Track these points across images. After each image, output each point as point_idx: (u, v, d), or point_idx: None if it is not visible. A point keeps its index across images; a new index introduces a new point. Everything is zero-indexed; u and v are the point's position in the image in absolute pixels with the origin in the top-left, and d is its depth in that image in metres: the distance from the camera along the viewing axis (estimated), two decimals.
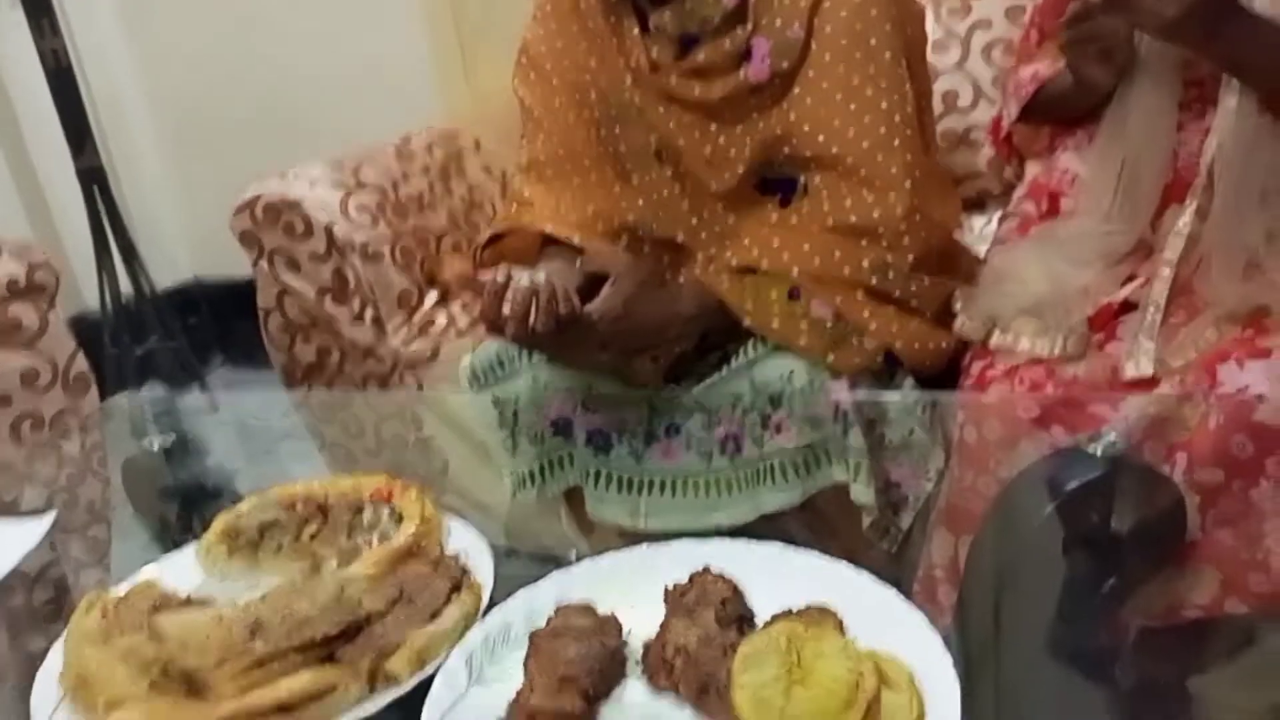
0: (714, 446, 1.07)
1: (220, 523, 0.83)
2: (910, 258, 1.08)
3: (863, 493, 1.02)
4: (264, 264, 1.52)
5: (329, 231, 1.48)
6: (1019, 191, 1.32)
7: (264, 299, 1.55)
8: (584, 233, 1.13)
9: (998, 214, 1.43)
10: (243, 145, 2.25)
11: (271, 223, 1.49)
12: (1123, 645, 0.72)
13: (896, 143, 1.08)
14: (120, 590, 0.78)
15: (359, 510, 0.85)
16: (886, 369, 1.09)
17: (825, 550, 0.77)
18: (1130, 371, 0.97)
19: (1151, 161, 1.08)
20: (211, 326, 2.48)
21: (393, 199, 1.58)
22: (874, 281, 1.06)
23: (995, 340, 1.09)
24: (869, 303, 1.06)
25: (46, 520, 0.95)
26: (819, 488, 1.04)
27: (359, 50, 2.15)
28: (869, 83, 1.07)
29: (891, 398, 1.06)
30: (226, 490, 1.17)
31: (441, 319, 1.52)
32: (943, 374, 1.11)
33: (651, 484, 1.09)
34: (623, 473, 1.10)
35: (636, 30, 1.11)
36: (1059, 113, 1.20)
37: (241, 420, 1.48)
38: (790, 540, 0.89)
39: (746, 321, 1.05)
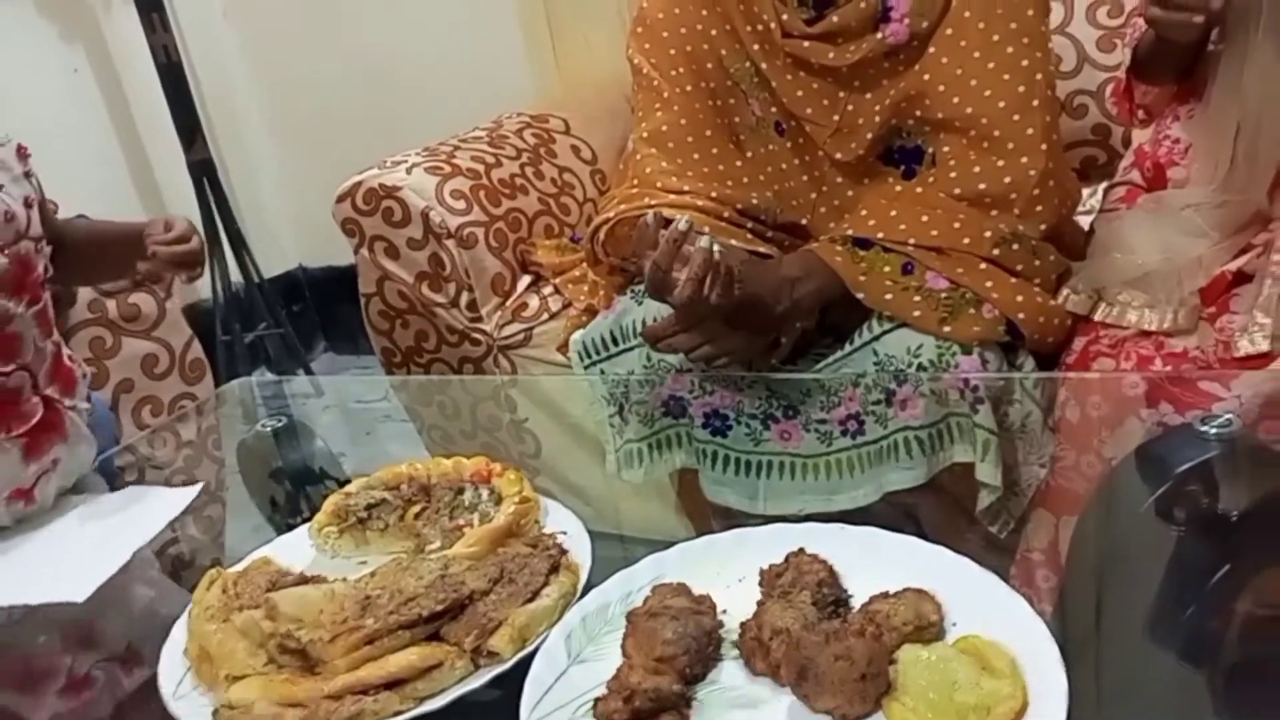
0: (834, 428, 1.05)
1: (331, 503, 0.87)
2: (1043, 226, 1.06)
3: (990, 473, 0.99)
4: (365, 251, 1.56)
5: (425, 217, 1.51)
6: (1125, 160, 1.28)
7: (365, 285, 1.59)
8: (710, 220, 1.12)
9: (1103, 185, 1.39)
10: (344, 136, 2.31)
11: (371, 210, 1.53)
12: (1231, 633, 0.70)
13: (1035, 103, 1.05)
14: (239, 567, 0.82)
15: (460, 491, 0.87)
16: (1008, 346, 1.06)
17: (945, 528, 0.76)
18: (1244, 347, 0.93)
19: (1269, 128, 1.03)
20: (315, 313, 2.56)
21: (486, 184, 1.60)
22: (995, 253, 1.04)
23: (1101, 313, 1.06)
24: (991, 272, 1.04)
25: (193, 490, 1.00)
26: (943, 466, 1.02)
27: (453, 38, 2.19)
28: (1010, 39, 1.04)
29: (1017, 377, 1.04)
30: (332, 471, 1.21)
31: (534, 303, 1.54)
32: (1052, 354, 1.08)
33: (770, 466, 1.08)
34: (740, 455, 1.09)
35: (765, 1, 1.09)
36: (1157, 71, 1.15)
37: (344, 403, 1.53)
38: (912, 519, 0.88)
39: (859, 295, 1.04)
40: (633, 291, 1.18)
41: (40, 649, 0.89)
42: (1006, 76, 1.05)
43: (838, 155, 1.12)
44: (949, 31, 1.05)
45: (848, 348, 1.08)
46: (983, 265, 1.04)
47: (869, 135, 1.10)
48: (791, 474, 1.08)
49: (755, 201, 1.18)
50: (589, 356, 1.15)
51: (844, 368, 1.08)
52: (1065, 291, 1.08)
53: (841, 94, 1.10)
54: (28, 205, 0.96)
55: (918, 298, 1.03)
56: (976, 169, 1.06)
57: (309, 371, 2.33)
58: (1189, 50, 1.06)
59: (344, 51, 2.31)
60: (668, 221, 0.96)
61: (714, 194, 1.16)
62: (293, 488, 1.22)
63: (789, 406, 1.07)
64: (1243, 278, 1.00)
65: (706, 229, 1.08)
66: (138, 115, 2.24)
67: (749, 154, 1.17)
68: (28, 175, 0.98)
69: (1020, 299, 1.04)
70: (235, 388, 1.47)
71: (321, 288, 2.52)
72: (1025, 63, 1.05)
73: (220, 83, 2.37)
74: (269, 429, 1.18)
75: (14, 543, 0.97)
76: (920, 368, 1.02)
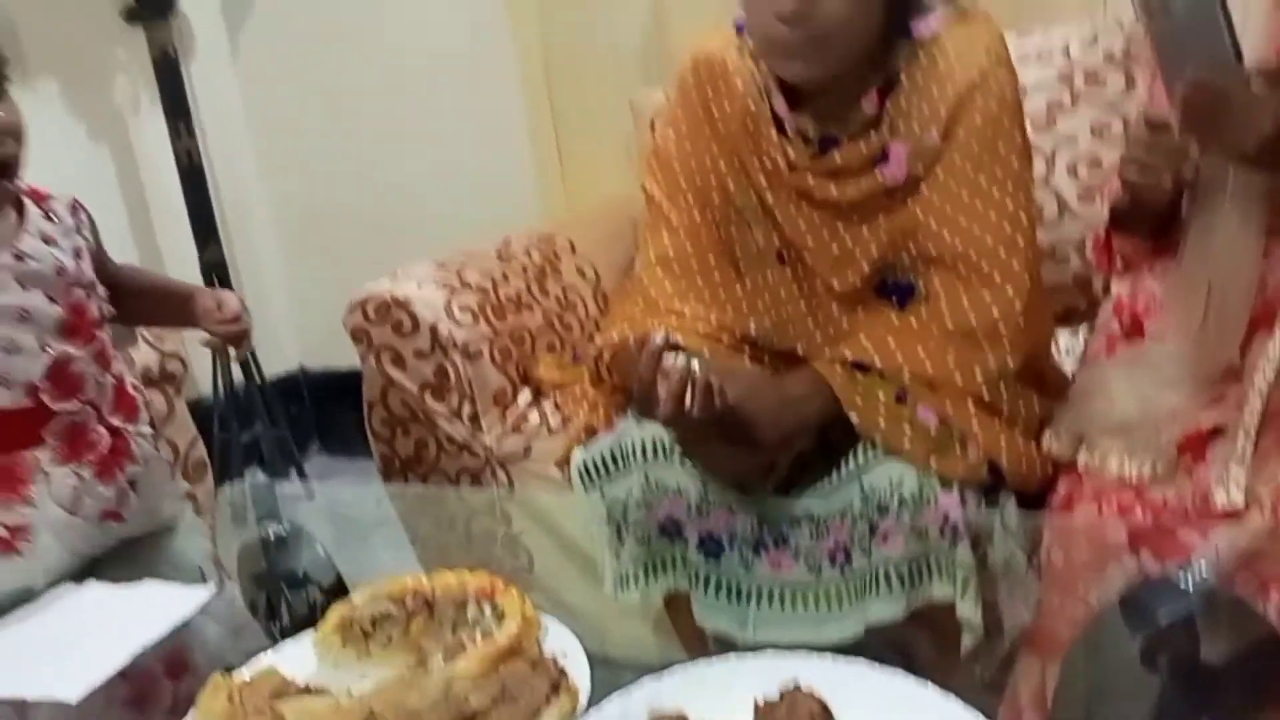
0: (823, 558, 1.08)
1: (335, 614, 0.89)
2: (1020, 355, 1.12)
3: (969, 610, 1.01)
4: (371, 359, 1.60)
5: (434, 330, 1.55)
6: (1105, 309, 1.34)
7: (369, 392, 1.63)
8: (710, 344, 1.18)
9: (1082, 331, 1.45)
10: (352, 245, 2.38)
11: (381, 320, 1.58)
12: None
13: (1020, 241, 1.13)
14: (244, 674, 0.83)
15: (463, 606, 0.89)
16: (990, 486, 1.09)
17: (932, 666, 0.78)
18: (1220, 500, 0.96)
19: (1237, 289, 1.09)
20: (311, 415, 2.58)
21: (493, 299, 1.66)
22: (985, 394, 1.09)
23: (1083, 460, 1.10)
24: (978, 413, 1.09)
25: (204, 592, 1.02)
26: (924, 602, 1.04)
27: (465, 157, 2.28)
28: (996, 184, 1.13)
29: (996, 517, 1.07)
30: (316, 576, 1.22)
31: (534, 417, 1.58)
32: (1037, 497, 1.12)
33: (760, 594, 1.10)
34: (733, 581, 1.11)
35: (774, 133, 1.17)
36: (1133, 227, 1.22)
37: (336, 509, 1.55)
38: (900, 653, 0.89)
39: (854, 419, 1.07)
40: (633, 412, 1.22)
41: None
42: (992, 215, 1.12)
43: (835, 284, 1.18)
44: (941, 175, 1.13)
45: (835, 479, 1.11)
46: (971, 405, 1.09)
47: (865, 267, 1.16)
48: (781, 603, 1.10)
49: (753, 329, 1.23)
50: (589, 477, 1.17)
51: (832, 497, 1.11)
52: (1049, 436, 1.13)
53: (841, 225, 1.17)
54: (77, 256, 1.08)
55: (909, 429, 1.07)
56: (965, 302, 1.12)
57: (302, 473, 2.34)
58: (1163, 211, 1.14)
59: (359, 162, 2.40)
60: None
61: (714, 318, 1.22)
62: (288, 593, 1.22)
63: (779, 535, 1.10)
64: (1218, 431, 1.05)
65: (705, 351, 1.14)
66: (155, 213, 2.32)
67: (749, 282, 1.23)
68: (78, 229, 1.10)
69: (1004, 441, 1.08)
70: (231, 489, 1.48)
71: (320, 390, 2.55)
72: (1010, 205, 1.13)
73: (236, 186, 2.45)
74: (273, 534, 1.20)
75: (18, 628, 0.98)
76: (901, 501, 1.04)
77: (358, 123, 2.39)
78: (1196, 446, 1.04)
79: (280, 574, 1.20)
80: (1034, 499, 1.12)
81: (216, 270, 2.20)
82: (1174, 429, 1.06)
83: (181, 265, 2.28)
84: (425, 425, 1.59)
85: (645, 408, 1.01)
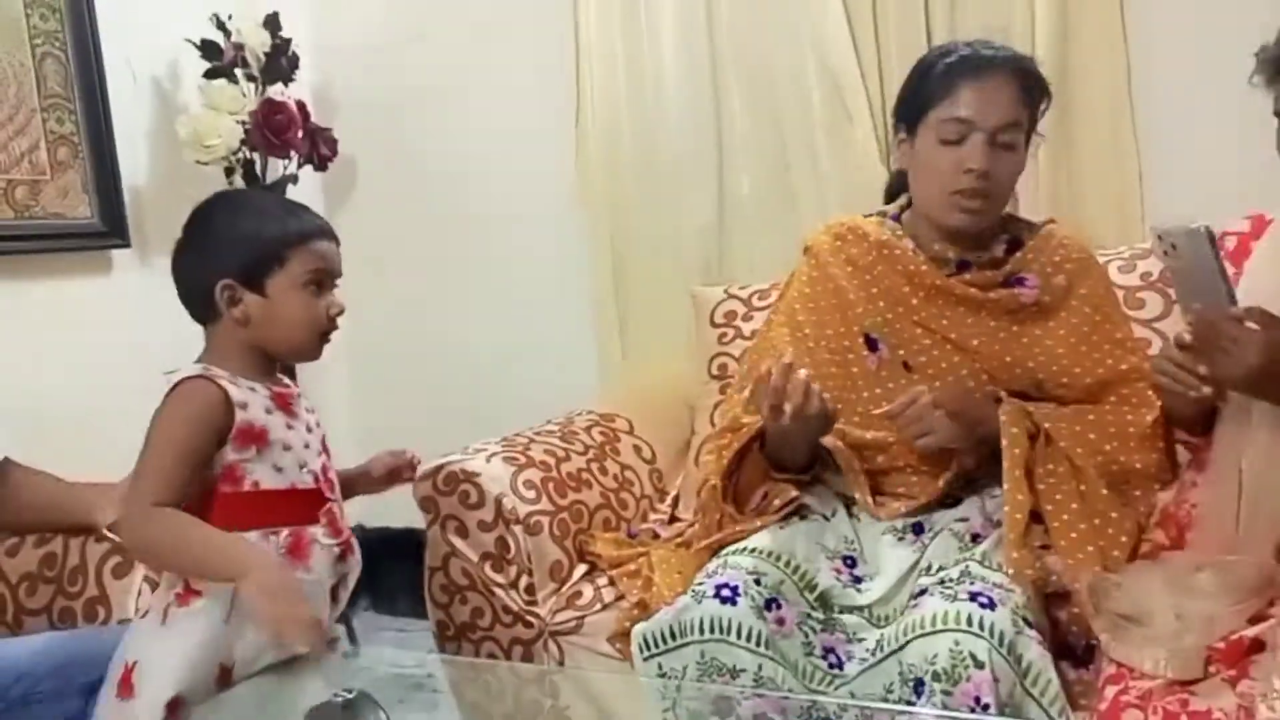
0: None
1: None
2: (1152, 469, 1.32)
3: None
4: (437, 528, 1.67)
5: (499, 503, 1.63)
6: (1154, 518, 1.39)
7: (432, 559, 1.69)
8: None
9: None
10: (419, 413, 2.51)
11: (450, 491, 1.66)
12: None
13: (1148, 365, 1.33)
14: None
15: None
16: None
17: None
18: (1265, 715, 0.98)
19: (1266, 503, 1.15)
20: (365, 571, 2.64)
21: (555, 476, 1.74)
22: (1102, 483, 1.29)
23: (1113, 651, 1.13)
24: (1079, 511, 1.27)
25: None
26: None
27: (533, 338, 2.42)
28: (1122, 334, 1.42)
29: (1032, 698, 1.10)
30: None
31: (588, 592, 1.62)
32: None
33: None
34: None
35: (911, 253, 1.42)
36: (1177, 422, 1.34)
37: (377, 667, 1.58)
38: None
39: (1004, 438, 1.30)
40: (693, 592, 1.27)
41: None
42: (1119, 352, 1.38)
43: (978, 343, 1.39)
44: (1074, 319, 1.39)
45: (878, 654, 1.16)
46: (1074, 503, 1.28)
47: (1009, 367, 1.37)
48: None
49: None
50: (648, 649, 1.23)
51: (875, 675, 1.16)
52: (1091, 605, 1.17)
53: (980, 318, 1.39)
54: None
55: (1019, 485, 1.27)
56: (1108, 411, 1.33)
57: (350, 630, 2.37)
58: (1198, 416, 1.23)
59: (433, 339, 2.56)
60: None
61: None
62: None
63: (827, 719, 1.13)
64: (1260, 644, 1.08)
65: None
66: None
67: (865, 393, 1.43)
68: None
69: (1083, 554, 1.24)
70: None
71: (375, 547, 2.61)
72: (1136, 353, 1.40)
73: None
74: (340, 700, 1.24)
75: None
76: (935, 676, 1.09)
77: (436, 303, 2.56)
78: (1238, 660, 1.07)
79: None
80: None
81: None
82: (1212, 635, 1.09)
83: None
84: (483, 594, 1.65)
85: (774, 414, 1.24)
